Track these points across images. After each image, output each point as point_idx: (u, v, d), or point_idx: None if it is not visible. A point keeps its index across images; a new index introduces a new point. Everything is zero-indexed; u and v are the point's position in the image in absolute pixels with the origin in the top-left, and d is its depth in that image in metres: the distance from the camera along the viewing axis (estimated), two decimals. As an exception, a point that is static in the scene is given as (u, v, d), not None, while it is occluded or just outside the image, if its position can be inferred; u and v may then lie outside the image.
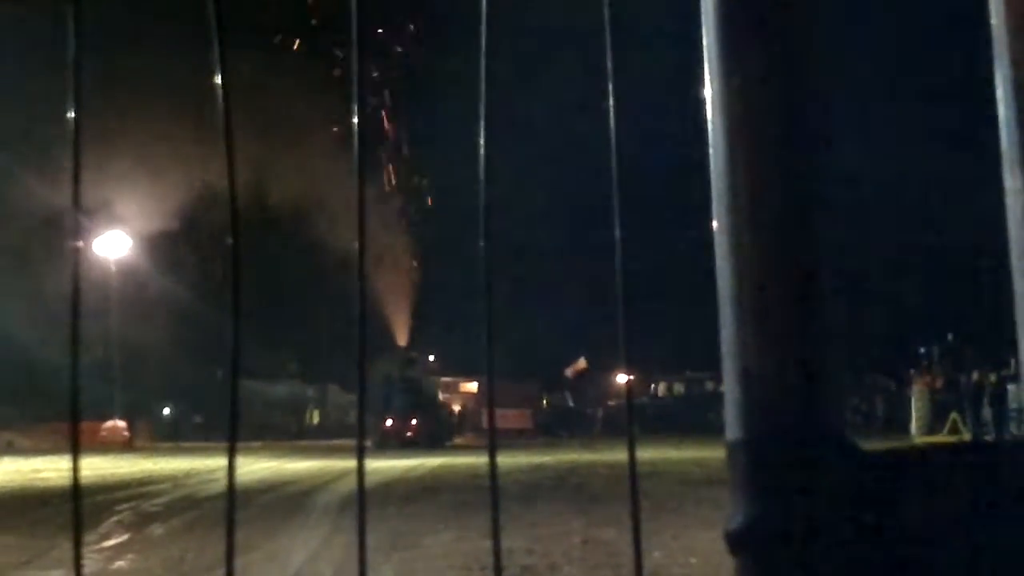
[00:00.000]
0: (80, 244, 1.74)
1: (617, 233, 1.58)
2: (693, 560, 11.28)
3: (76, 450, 1.57)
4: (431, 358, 69.67)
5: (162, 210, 63.60)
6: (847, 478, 1.43)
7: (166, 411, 71.77)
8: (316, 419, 70.26)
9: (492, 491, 1.59)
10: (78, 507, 1.70)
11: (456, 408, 70.83)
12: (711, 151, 1.50)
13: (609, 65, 1.60)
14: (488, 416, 1.64)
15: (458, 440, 56.69)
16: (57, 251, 61.95)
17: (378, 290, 66.08)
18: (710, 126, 1.51)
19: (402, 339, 64.30)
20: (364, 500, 1.60)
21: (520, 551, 11.92)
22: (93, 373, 52.09)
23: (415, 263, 74.37)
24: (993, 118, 1.53)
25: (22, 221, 61.97)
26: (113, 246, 59.91)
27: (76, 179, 1.58)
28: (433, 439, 46.66)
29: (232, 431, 1.60)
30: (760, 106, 1.49)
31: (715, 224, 1.50)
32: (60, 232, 60.12)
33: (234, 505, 1.58)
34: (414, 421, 51.35)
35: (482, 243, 1.61)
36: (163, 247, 66.79)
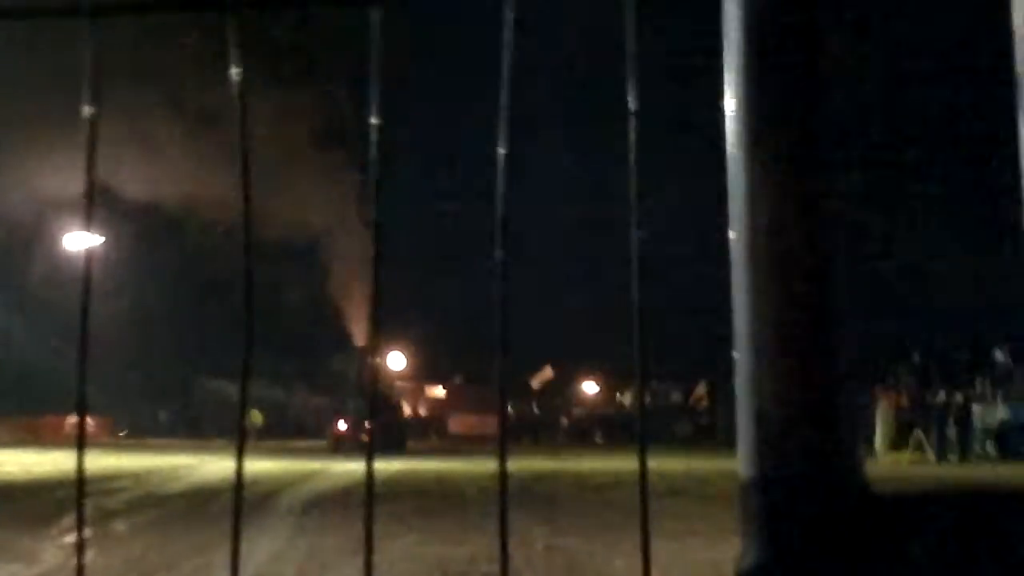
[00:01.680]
0: (92, 247, 1.74)
1: (634, 247, 1.57)
2: (653, 571, 11.28)
3: (81, 447, 1.56)
4: (388, 360, 67.43)
5: (137, 207, 63.19)
6: (859, 521, 1.43)
7: (132, 408, 71.18)
8: (259, 420, 68.20)
9: (501, 497, 1.57)
10: (80, 503, 1.69)
11: (407, 412, 70.27)
12: (729, 177, 1.49)
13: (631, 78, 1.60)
14: (499, 430, 1.62)
15: (414, 445, 55.14)
16: (20, 242, 61.77)
17: (335, 285, 65.01)
18: (729, 154, 1.50)
19: (360, 339, 61.17)
20: (371, 511, 1.59)
21: (482, 558, 11.92)
22: (62, 368, 51.86)
23: (374, 253, 71.37)
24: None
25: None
26: (84, 242, 59.63)
27: (90, 185, 1.57)
28: (388, 444, 44.72)
29: (240, 433, 1.60)
30: (782, 128, 1.48)
31: (733, 265, 1.49)
32: (22, 223, 59.95)
33: (241, 502, 1.58)
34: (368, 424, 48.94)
35: (497, 253, 1.60)
36: (133, 243, 66.39)
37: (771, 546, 1.44)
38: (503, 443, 1.65)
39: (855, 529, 1.44)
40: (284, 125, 56.89)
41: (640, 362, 1.62)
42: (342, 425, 49.71)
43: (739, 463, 1.48)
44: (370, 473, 1.62)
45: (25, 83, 50.35)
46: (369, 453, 1.67)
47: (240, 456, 1.58)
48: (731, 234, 1.50)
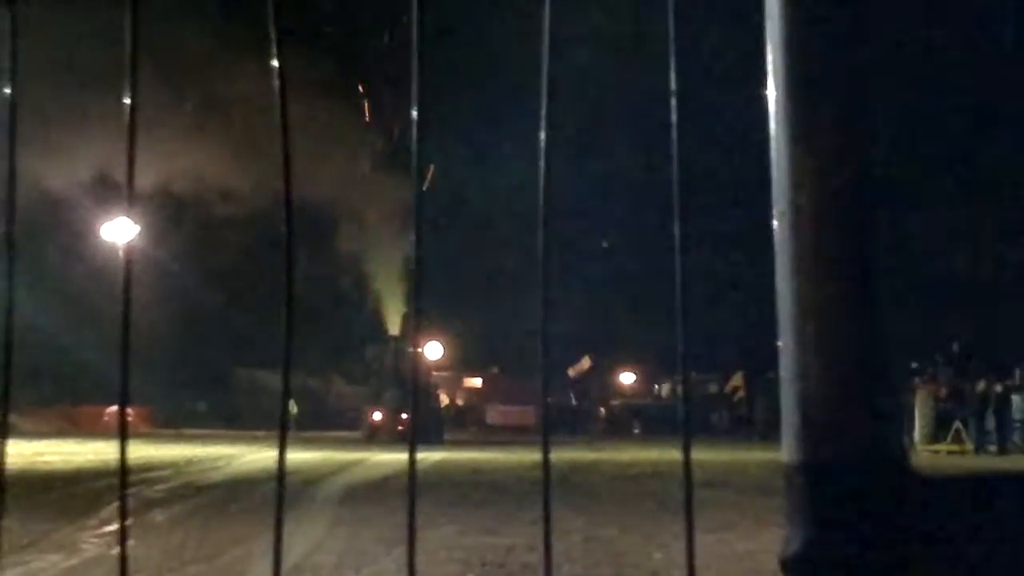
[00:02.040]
0: (132, 240, 1.74)
1: (677, 236, 1.56)
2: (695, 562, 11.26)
3: (124, 436, 1.56)
4: (424, 349, 65.52)
5: (171, 196, 63.25)
6: (906, 505, 1.42)
7: (169, 398, 71.28)
8: (294, 410, 67.96)
9: (544, 490, 1.57)
10: (123, 494, 1.69)
11: (445, 402, 69.83)
12: (773, 170, 1.48)
13: (672, 72, 1.59)
14: (543, 422, 1.61)
15: (452, 436, 54.47)
16: (56, 229, 61.96)
17: (369, 273, 64.59)
18: (772, 143, 1.49)
19: (394, 328, 59.41)
20: (414, 509, 1.58)
21: (521, 548, 11.92)
22: (100, 357, 52.03)
23: (412, 239, 69.34)
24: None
25: (18, 199, 61.70)
26: (121, 232, 59.58)
27: (130, 178, 1.57)
28: (424, 434, 44.29)
29: (282, 422, 1.60)
30: (825, 117, 1.47)
31: (776, 250, 1.48)
32: (58, 210, 60.13)
33: (283, 493, 1.57)
34: (404, 415, 47.76)
35: (540, 248, 1.59)
36: (172, 234, 66.54)
37: (816, 532, 1.44)
38: (546, 436, 1.65)
39: (901, 514, 1.43)
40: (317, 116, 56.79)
41: (683, 358, 1.62)
42: (377, 416, 49.18)
43: (783, 449, 1.47)
44: (412, 465, 1.61)
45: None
46: (412, 445, 1.66)
47: (282, 447, 1.58)
48: (775, 222, 1.49)
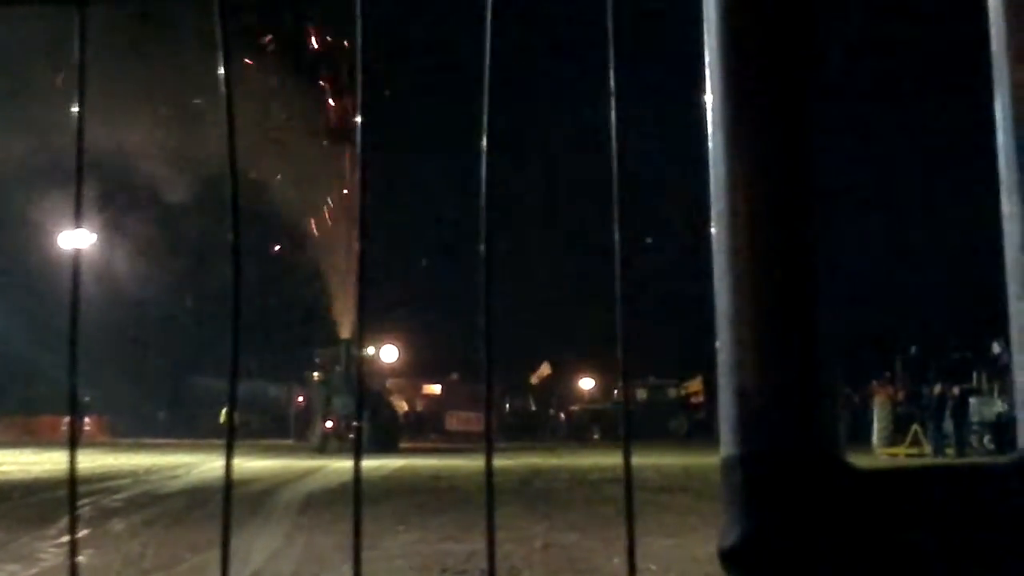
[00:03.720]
0: (80, 248, 1.75)
1: (616, 237, 1.59)
2: (652, 567, 11.31)
3: (74, 446, 1.57)
4: (376, 352, 62.36)
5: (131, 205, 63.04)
6: (843, 497, 1.45)
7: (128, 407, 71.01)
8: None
9: (488, 495, 1.59)
10: (73, 505, 1.70)
11: (404, 408, 69.02)
12: (711, 171, 1.51)
13: (611, 74, 1.61)
14: (485, 426, 1.63)
15: (411, 443, 53.20)
16: (11, 242, 61.69)
17: (320, 271, 60.88)
18: (710, 145, 1.52)
19: (346, 331, 55.26)
20: (359, 513, 1.60)
21: (481, 555, 11.92)
22: (57, 366, 51.76)
23: (362, 236, 64.26)
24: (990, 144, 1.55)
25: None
26: (77, 241, 59.15)
27: (78, 188, 1.58)
28: (378, 443, 41.79)
29: (230, 430, 1.61)
30: (762, 121, 1.50)
31: (713, 241, 1.51)
32: (13, 222, 59.88)
33: (230, 500, 1.58)
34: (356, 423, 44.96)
35: (482, 247, 1.61)
36: (127, 243, 66.35)
37: (753, 524, 1.46)
38: (489, 443, 1.67)
39: (837, 505, 1.45)
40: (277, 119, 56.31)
41: (623, 363, 1.64)
42: (328, 424, 47.18)
43: (721, 442, 1.50)
44: (357, 476, 1.62)
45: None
46: (357, 452, 1.67)
47: (229, 454, 1.59)
48: (713, 225, 1.52)
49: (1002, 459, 1.56)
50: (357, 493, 1.60)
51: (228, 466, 1.55)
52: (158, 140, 55.62)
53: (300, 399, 64.64)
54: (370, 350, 55.46)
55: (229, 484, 1.57)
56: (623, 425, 1.75)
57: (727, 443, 1.49)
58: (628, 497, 1.59)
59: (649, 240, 70.93)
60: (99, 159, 55.32)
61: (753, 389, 1.47)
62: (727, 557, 1.47)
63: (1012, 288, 1.55)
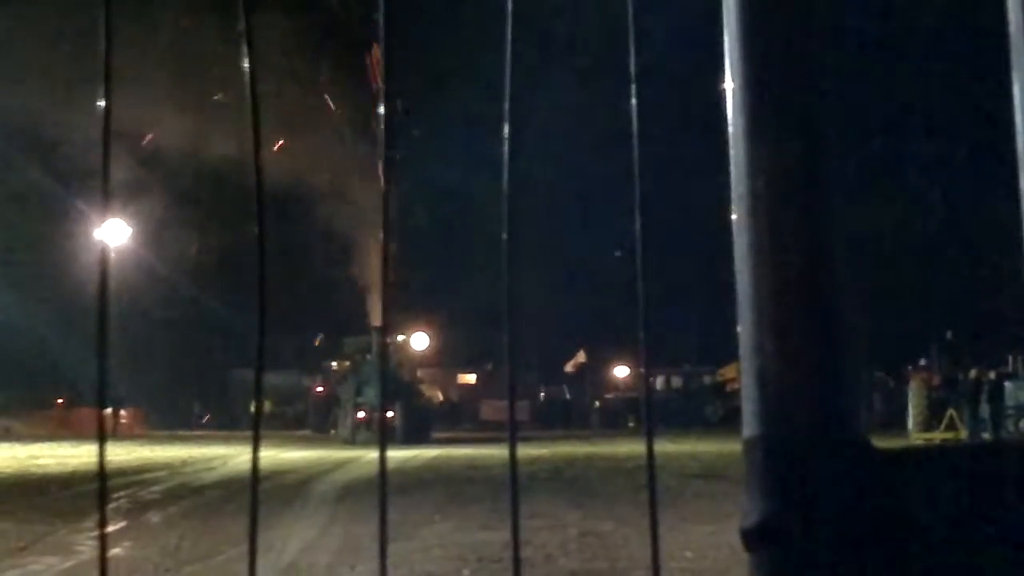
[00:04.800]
0: (107, 239, 1.76)
1: (638, 226, 1.59)
2: (688, 554, 11.29)
3: (103, 439, 1.58)
4: (411, 341, 60.39)
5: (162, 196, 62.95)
6: (862, 477, 1.45)
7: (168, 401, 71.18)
8: (269, 408, 66.09)
9: (512, 485, 1.59)
10: (103, 499, 1.71)
11: (439, 398, 68.56)
12: (731, 154, 1.51)
13: (632, 61, 1.62)
14: (509, 415, 1.64)
15: (446, 433, 52.72)
16: (51, 234, 61.83)
17: (353, 259, 59.07)
18: (731, 130, 1.53)
19: (377, 319, 51.42)
20: (386, 506, 1.60)
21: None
22: (94, 360, 51.69)
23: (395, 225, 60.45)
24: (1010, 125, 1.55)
25: (15, 203, 61.58)
26: (113, 234, 59.28)
27: (105, 177, 1.59)
28: (410, 433, 41.72)
29: (256, 420, 1.61)
30: (781, 111, 1.50)
31: (734, 227, 1.51)
32: (53, 214, 60.02)
33: (257, 492, 1.59)
34: (390, 413, 44.08)
35: (504, 235, 1.61)
36: (162, 235, 66.35)
37: (774, 504, 1.47)
38: (513, 436, 1.67)
39: (856, 486, 1.46)
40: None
41: (644, 349, 1.65)
42: (361, 414, 45.69)
43: (743, 423, 1.50)
44: (383, 468, 1.63)
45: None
46: (382, 444, 1.67)
47: (256, 443, 1.60)
48: (733, 208, 1.52)
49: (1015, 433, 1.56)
50: (383, 484, 1.61)
51: (255, 460, 1.56)
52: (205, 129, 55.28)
53: (319, 389, 63.84)
54: (400, 338, 54.21)
55: (256, 478, 1.58)
56: (644, 418, 1.76)
57: (749, 425, 1.50)
58: (651, 488, 1.60)
59: (618, 253, 70.95)
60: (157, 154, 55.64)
61: (774, 372, 1.48)
62: (748, 536, 1.48)
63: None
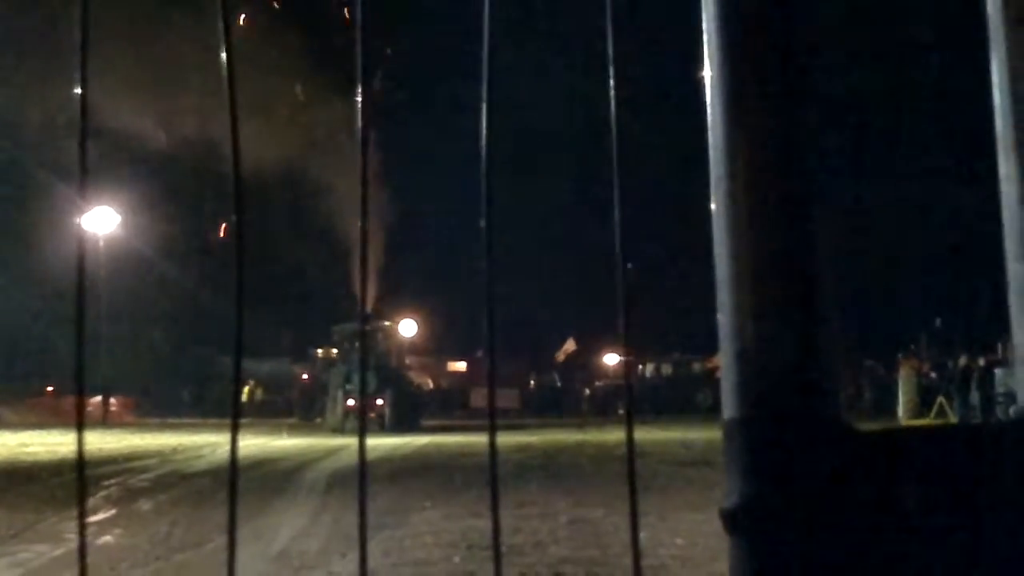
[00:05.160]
0: (83, 224, 1.75)
1: (616, 215, 1.59)
2: (679, 541, 11.31)
3: (81, 427, 1.58)
4: (400, 327, 59.45)
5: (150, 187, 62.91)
6: (841, 459, 1.46)
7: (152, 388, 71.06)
8: (260, 396, 65.76)
9: (491, 471, 1.59)
10: (82, 482, 1.71)
11: (429, 385, 68.27)
12: (710, 138, 1.52)
13: (610, 51, 1.62)
14: (488, 401, 1.63)
15: (436, 420, 52.12)
16: (41, 221, 61.70)
17: (343, 243, 58.35)
18: (709, 113, 1.53)
19: (367, 306, 51.35)
20: (365, 494, 1.60)
21: (507, 530, 11.93)
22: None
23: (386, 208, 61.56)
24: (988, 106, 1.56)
25: (2, 188, 61.44)
26: (101, 222, 59.09)
27: (82, 165, 1.58)
28: (399, 421, 41.69)
29: (235, 408, 1.61)
30: (759, 94, 1.51)
31: (713, 208, 1.52)
32: (43, 203, 59.89)
33: (236, 479, 1.59)
34: (379, 401, 44.02)
35: (482, 223, 1.61)
36: (150, 223, 66.25)
37: (753, 485, 1.47)
38: (492, 424, 1.67)
39: (835, 466, 1.46)
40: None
41: (625, 337, 1.65)
42: (350, 402, 43.75)
43: (723, 405, 1.51)
44: (362, 459, 1.62)
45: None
46: (361, 433, 1.67)
47: (234, 432, 1.59)
48: (712, 190, 1.53)
49: (1001, 419, 1.57)
50: (363, 472, 1.61)
51: (233, 450, 1.55)
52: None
53: (304, 377, 63.54)
54: (387, 324, 53.67)
55: (235, 468, 1.57)
56: (626, 410, 1.76)
57: (729, 407, 1.50)
58: (631, 480, 1.60)
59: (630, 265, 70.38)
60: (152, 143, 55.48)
61: (753, 353, 1.48)
62: (728, 518, 1.49)
63: (1010, 248, 1.56)
